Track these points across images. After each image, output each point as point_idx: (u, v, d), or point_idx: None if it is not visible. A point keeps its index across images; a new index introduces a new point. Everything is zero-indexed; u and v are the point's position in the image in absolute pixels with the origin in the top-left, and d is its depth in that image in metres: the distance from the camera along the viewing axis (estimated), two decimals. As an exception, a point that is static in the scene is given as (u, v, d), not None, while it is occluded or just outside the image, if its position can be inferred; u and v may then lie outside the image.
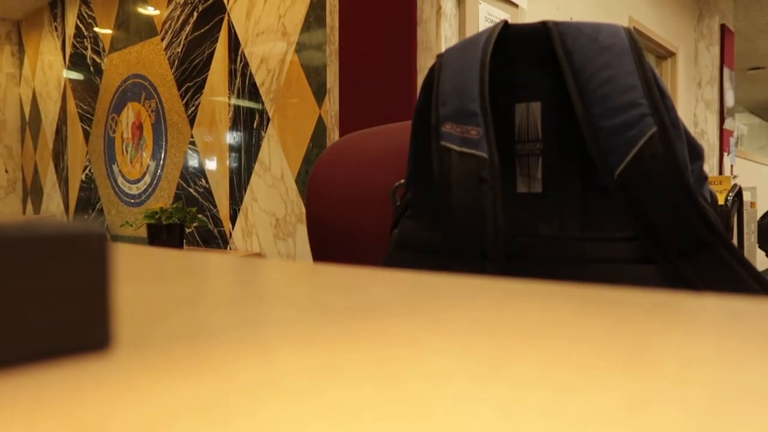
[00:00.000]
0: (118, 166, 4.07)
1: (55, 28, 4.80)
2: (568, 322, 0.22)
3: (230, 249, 3.12)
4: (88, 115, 4.40)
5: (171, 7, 3.50)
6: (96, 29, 4.26)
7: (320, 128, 2.62)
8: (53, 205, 4.90)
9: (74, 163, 4.60)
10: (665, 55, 4.66)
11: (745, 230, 4.58)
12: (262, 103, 2.91)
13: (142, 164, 3.81)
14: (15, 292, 0.16)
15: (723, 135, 5.04)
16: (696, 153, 0.63)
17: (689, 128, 3.65)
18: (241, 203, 3.06)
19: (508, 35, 0.64)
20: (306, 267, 0.39)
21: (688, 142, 0.61)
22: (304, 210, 2.72)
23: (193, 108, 3.37)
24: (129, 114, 3.93)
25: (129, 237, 3.89)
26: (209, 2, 3.21)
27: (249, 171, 3.01)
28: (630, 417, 0.12)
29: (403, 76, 2.11)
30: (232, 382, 0.15)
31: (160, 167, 3.65)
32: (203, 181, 3.32)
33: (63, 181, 4.75)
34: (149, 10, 3.71)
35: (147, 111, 3.75)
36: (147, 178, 3.77)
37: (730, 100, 5.18)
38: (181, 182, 3.48)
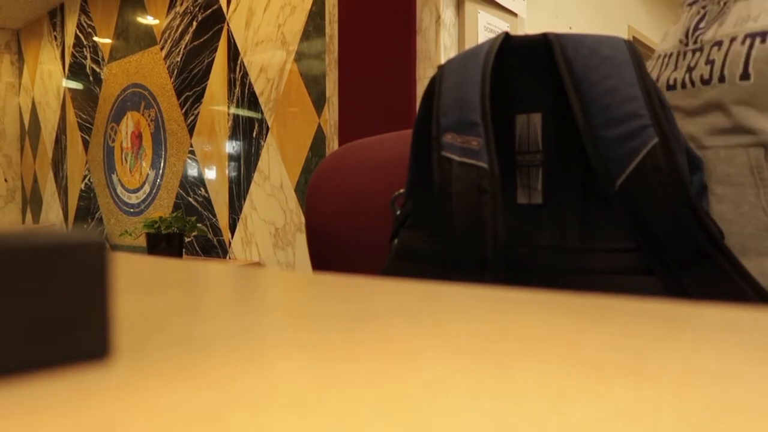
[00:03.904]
0: (117, 175, 4.07)
1: (55, 37, 4.81)
2: (567, 332, 0.22)
3: (229, 258, 3.12)
4: (88, 125, 4.41)
5: (170, 16, 3.51)
6: (95, 38, 4.27)
7: (319, 137, 2.63)
8: (52, 215, 4.90)
9: (73, 172, 4.60)
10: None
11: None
12: (262, 112, 2.92)
13: (142, 173, 3.81)
14: (14, 301, 0.16)
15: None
16: (695, 164, 0.64)
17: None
18: (241, 212, 3.06)
19: (509, 47, 0.64)
20: (305, 276, 0.39)
21: (687, 154, 0.61)
22: (303, 219, 2.72)
23: (192, 117, 3.37)
24: (128, 123, 3.94)
25: (128, 246, 3.88)
26: (209, 11, 3.22)
27: (248, 180, 3.01)
28: (629, 428, 0.12)
29: (402, 85, 2.11)
30: (231, 392, 0.15)
31: (159, 176, 3.65)
32: (202, 190, 3.32)
33: (62, 190, 4.75)
34: (148, 20, 3.72)
35: (146, 120, 3.76)
36: (146, 188, 3.77)
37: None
38: (181, 191, 3.48)
